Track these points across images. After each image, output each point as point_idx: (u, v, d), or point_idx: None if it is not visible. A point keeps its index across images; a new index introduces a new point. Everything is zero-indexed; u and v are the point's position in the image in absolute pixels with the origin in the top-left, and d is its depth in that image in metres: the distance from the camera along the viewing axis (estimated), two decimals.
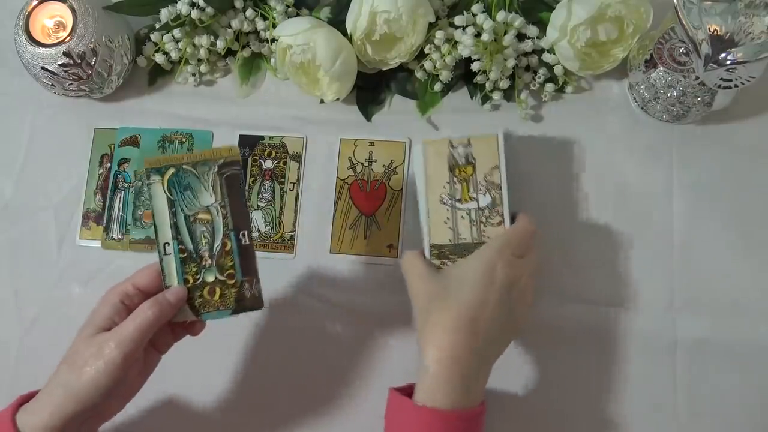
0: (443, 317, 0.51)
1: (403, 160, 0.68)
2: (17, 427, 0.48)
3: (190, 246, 0.53)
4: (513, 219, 0.58)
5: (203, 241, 0.53)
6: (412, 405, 0.51)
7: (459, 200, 0.59)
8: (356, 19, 0.63)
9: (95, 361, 0.48)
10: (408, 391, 0.53)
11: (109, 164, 0.72)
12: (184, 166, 0.53)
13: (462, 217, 0.59)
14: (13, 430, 0.48)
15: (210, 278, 0.54)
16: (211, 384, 0.65)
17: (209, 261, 0.54)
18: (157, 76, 0.74)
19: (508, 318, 0.53)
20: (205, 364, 0.65)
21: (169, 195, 0.53)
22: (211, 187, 0.53)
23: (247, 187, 0.69)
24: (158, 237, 0.53)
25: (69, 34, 0.66)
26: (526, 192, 0.65)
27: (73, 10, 0.66)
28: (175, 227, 0.53)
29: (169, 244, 0.53)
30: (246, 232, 0.54)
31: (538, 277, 0.57)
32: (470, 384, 0.51)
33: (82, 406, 0.48)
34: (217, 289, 0.54)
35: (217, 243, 0.53)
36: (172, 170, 0.53)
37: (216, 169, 0.53)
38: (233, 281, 0.54)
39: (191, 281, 0.53)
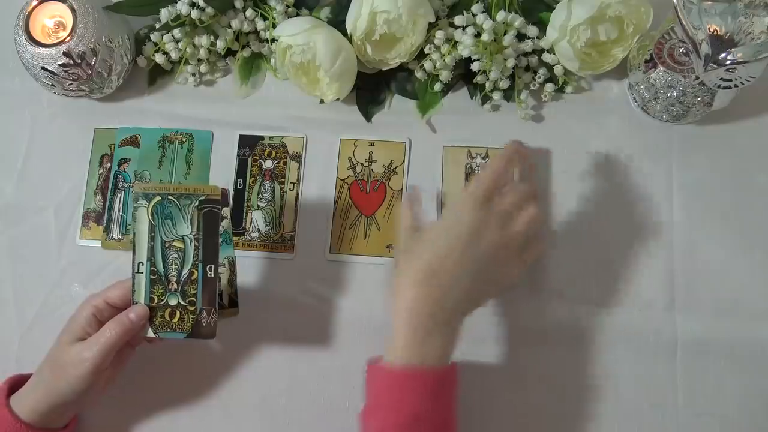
0: (406, 271, 0.52)
1: (403, 161, 0.68)
2: (10, 407, 0.57)
3: (161, 269, 0.57)
4: None
5: (173, 266, 0.57)
6: (377, 367, 0.51)
7: None
8: (356, 19, 0.63)
9: (72, 370, 0.55)
10: None
11: (109, 164, 0.72)
12: (169, 197, 0.57)
13: None
14: (7, 409, 0.56)
15: (173, 302, 0.57)
16: (210, 384, 0.65)
17: (175, 286, 0.57)
18: (157, 76, 0.74)
19: (480, 271, 0.52)
20: (204, 364, 0.65)
21: (151, 220, 0.57)
22: (189, 219, 0.57)
23: (246, 188, 0.69)
24: (135, 255, 0.57)
25: (69, 34, 0.66)
26: None
27: (73, 10, 0.66)
28: (151, 250, 0.57)
29: (143, 264, 0.57)
30: (213, 266, 0.57)
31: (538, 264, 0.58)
32: (428, 338, 0.50)
33: (62, 400, 0.56)
34: (177, 313, 0.57)
35: (185, 271, 0.57)
36: (158, 198, 0.57)
37: (197, 204, 0.57)
38: (193, 308, 0.57)
39: (156, 301, 0.57)
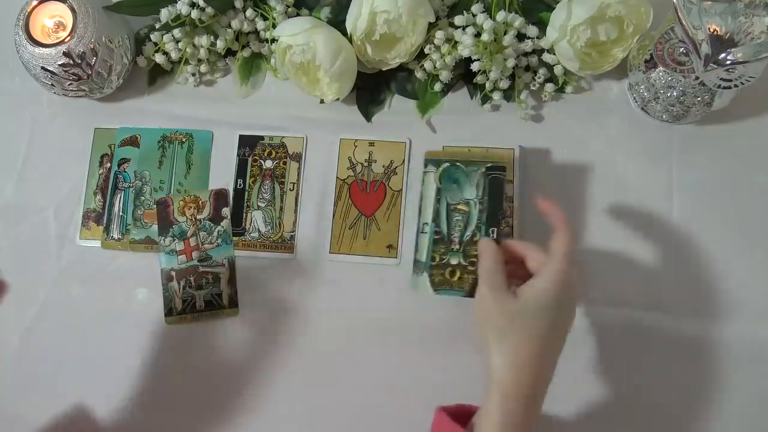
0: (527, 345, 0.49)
1: (403, 161, 0.68)
2: None
3: (445, 230, 0.59)
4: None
5: (456, 228, 0.59)
6: None
7: None
8: (356, 19, 0.63)
9: None
10: (458, 412, 0.51)
11: (109, 164, 0.72)
12: (457, 163, 0.60)
13: None
14: None
15: (454, 261, 0.59)
16: (210, 383, 0.65)
17: (457, 246, 0.59)
18: (157, 76, 0.74)
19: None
20: (204, 364, 0.65)
21: (438, 184, 0.60)
22: (475, 184, 0.59)
23: (246, 188, 0.69)
24: (420, 216, 0.60)
25: (69, 34, 0.66)
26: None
27: (73, 10, 0.66)
28: (436, 212, 0.59)
29: (427, 224, 0.60)
30: (496, 230, 0.58)
31: None
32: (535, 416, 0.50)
33: None
34: (458, 272, 0.58)
35: (468, 232, 0.59)
36: (446, 165, 0.60)
37: (484, 170, 0.59)
38: (473, 268, 0.58)
39: (437, 260, 0.59)
